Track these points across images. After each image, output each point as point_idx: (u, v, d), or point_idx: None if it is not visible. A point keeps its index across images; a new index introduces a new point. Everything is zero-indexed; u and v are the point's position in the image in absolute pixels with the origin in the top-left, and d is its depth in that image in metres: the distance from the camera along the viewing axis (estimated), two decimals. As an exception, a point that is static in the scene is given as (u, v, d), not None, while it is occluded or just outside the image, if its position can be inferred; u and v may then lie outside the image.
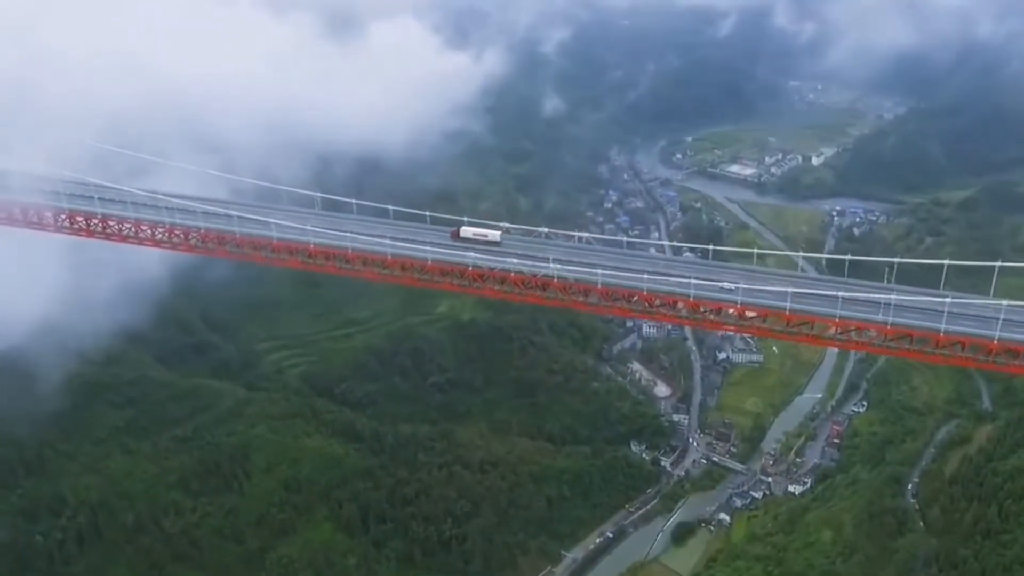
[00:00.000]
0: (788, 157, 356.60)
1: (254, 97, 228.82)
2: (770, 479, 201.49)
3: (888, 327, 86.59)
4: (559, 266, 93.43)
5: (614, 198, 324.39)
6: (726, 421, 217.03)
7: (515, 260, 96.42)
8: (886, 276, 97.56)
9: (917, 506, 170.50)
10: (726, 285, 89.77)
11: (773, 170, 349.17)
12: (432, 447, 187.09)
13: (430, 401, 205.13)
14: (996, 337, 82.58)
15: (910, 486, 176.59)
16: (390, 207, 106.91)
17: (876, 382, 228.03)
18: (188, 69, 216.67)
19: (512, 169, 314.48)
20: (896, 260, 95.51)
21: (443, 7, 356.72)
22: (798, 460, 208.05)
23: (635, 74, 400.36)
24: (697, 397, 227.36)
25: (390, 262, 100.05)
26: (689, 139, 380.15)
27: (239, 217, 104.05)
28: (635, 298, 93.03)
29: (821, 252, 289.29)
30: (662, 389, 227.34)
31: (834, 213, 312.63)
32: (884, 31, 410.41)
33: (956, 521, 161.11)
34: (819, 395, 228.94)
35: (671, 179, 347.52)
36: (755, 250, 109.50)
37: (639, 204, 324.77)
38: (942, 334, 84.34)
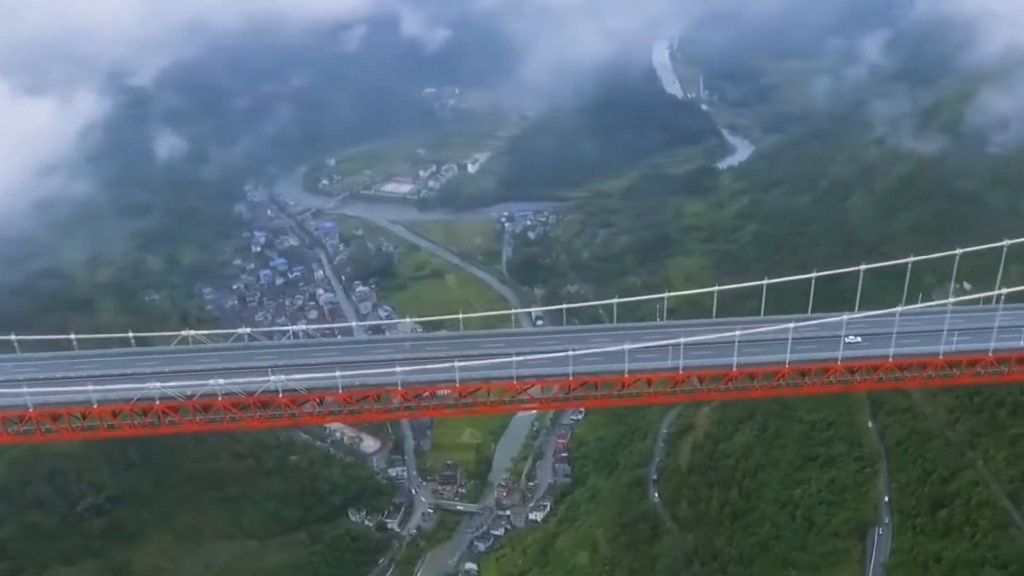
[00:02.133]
0: (443, 168, 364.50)
1: None
2: (508, 512, 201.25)
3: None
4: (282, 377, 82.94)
5: (262, 240, 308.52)
6: (448, 463, 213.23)
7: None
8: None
9: (663, 506, 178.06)
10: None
11: (431, 184, 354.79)
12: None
13: (88, 530, 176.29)
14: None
15: (652, 487, 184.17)
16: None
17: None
18: None
19: (131, 226, 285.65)
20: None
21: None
22: (531, 484, 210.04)
23: (259, 99, 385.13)
24: (410, 443, 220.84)
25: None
26: (333, 162, 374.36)
27: None
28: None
29: (500, 261, 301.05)
30: (369, 443, 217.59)
31: (503, 219, 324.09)
32: (515, 31, 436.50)
33: (704, 512, 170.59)
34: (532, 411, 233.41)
35: (323, 208, 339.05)
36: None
37: (293, 242, 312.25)
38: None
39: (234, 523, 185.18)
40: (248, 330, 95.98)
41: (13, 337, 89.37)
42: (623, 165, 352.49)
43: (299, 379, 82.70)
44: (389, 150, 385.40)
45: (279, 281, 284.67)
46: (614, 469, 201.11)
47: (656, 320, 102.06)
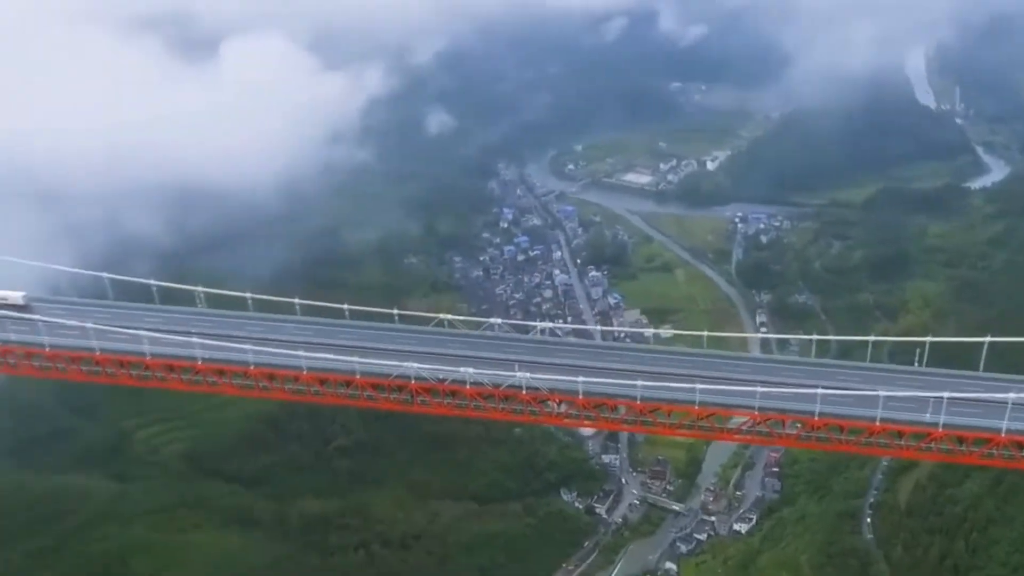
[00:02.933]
0: (683, 163, 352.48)
1: (97, 139, 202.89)
2: (713, 518, 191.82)
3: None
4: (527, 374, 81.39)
5: (509, 217, 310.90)
6: (659, 458, 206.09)
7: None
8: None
9: (876, 544, 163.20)
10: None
11: (670, 177, 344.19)
12: (346, 525, 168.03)
13: (337, 469, 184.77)
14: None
15: (866, 521, 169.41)
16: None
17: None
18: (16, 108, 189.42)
19: (399, 193, 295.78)
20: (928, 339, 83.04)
21: (306, 24, 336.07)
22: (739, 493, 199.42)
23: (519, 83, 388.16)
24: (624, 432, 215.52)
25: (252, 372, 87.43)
26: (579, 148, 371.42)
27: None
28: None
29: (729, 262, 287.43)
30: (587, 428, 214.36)
31: (737, 220, 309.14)
32: (766, 31, 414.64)
33: (921, 558, 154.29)
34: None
35: (566, 192, 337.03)
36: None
37: (536, 221, 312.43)
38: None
39: (460, 484, 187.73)
40: (499, 321, 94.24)
41: (296, 301, 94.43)
42: (864, 175, 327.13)
43: (543, 379, 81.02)
44: (632, 140, 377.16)
45: (520, 258, 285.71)
46: (826, 494, 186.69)
47: (914, 365, 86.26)
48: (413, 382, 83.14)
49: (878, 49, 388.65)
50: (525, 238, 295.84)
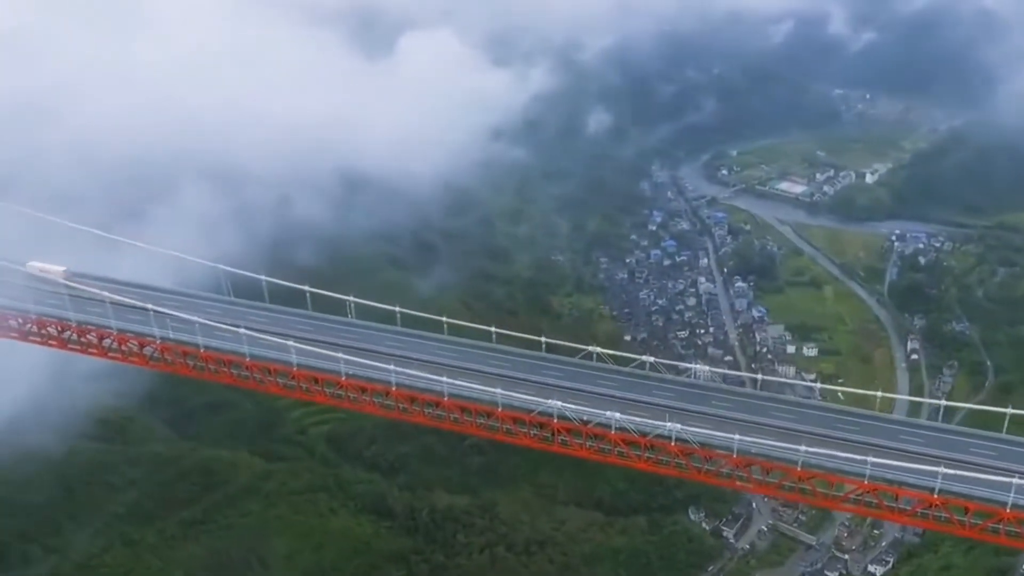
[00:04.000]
0: (840, 174, 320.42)
1: (272, 124, 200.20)
2: (846, 556, 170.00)
3: None
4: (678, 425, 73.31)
5: (658, 219, 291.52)
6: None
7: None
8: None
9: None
10: None
11: (825, 188, 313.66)
12: (472, 524, 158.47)
13: (469, 464, 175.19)
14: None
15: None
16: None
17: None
18: (201, 93, 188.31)
19: (552, 190, 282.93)
20: None
21: (476, 19, 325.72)
22: (876, 532, 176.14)
23: (680, 84, 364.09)
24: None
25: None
26: (734, 153, 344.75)
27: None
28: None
29: (882, 282, 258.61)
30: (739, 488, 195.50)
31: (893, 237, 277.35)
32: (941, 38, 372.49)
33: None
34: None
35: (717, 198, 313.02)
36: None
37: (685, 226, 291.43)
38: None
39: (586, 492, 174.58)
40: (651, 359, 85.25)
41: (444, 320, 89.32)
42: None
43: (694, 431, 73.44)
44: (789, 148, 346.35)
45: (666, 262, 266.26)
46: (975, 546, 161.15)
47: None
48: (556, 420, 77.00)
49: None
50: (672, 242, 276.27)
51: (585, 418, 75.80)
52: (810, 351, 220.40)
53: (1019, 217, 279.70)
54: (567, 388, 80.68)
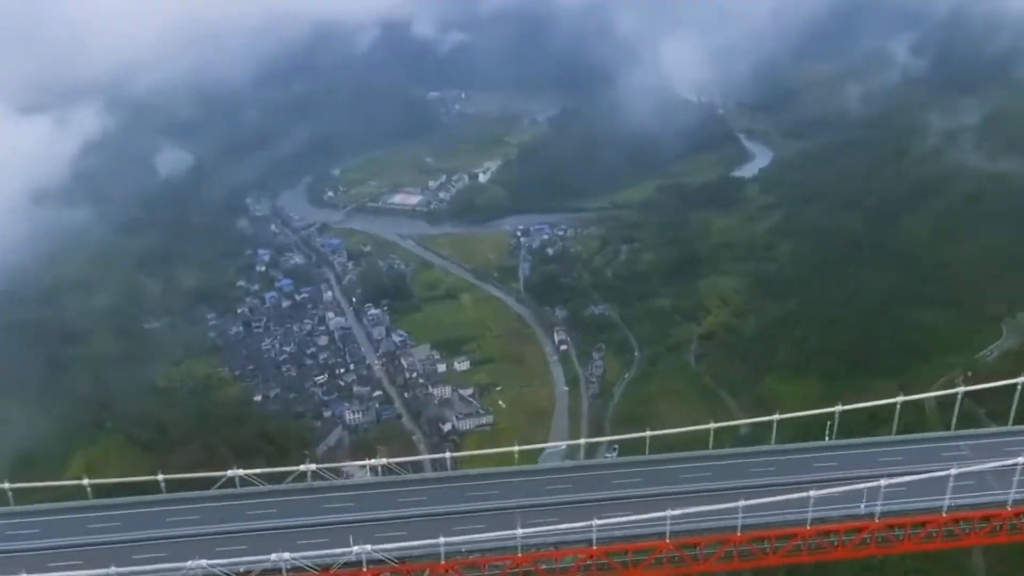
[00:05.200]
0: (453, 178, 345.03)
1: None
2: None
3: None
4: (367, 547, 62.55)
5: (266, 258, 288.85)
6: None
7: None
8: None
9: None
10: None
11: (441, 195, 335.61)
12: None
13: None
14: None
15: None
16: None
17: (620, 419, 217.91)
18: None
19: (129, 247, 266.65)
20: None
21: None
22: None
23: (263, 105, 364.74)
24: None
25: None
26: (338, 172, 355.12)
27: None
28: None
29: (517, 280, 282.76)
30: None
31: (519, 233, 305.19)
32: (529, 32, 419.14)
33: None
34: (563, 446, 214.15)
35: (328, 223, 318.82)
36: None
37: (299, 260, 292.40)
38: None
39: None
40: (313, 466, 73.50)
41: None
42: (639, 173, 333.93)
43: (389, 548, 63.01)
44: (396, 159, 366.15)
45: (286, 304, 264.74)
46: None
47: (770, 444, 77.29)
48: None
49: (634, 43, 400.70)
50: (288, 281, 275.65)
51: (242, 569, 62.74)
52: (462, 365, 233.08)
53: (629, 193, 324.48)
54: (209, 534, 67.47)
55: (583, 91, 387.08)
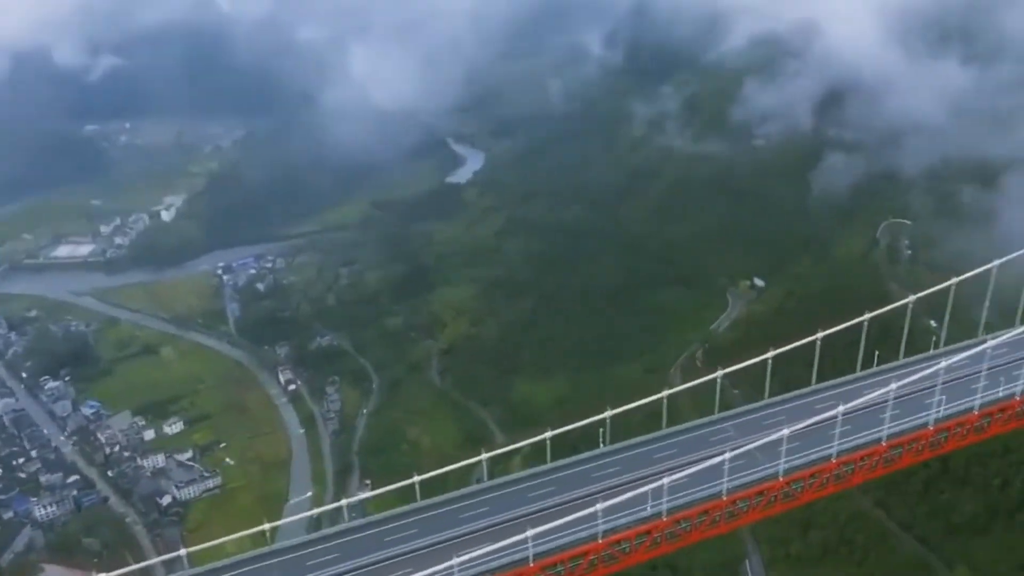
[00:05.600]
0: (130, 219, 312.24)
1: None
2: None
3: None
4: None
5: None
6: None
7: None
8: None
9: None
10: None
11: (118, 240, 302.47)
12: None
13: None
14: None
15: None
16: None
17: (368, 452, 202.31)
18: None
19: None
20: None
21: None
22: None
23: None
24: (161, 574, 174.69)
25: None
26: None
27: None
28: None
29: (227, 322, 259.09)
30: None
31: (220, 271, 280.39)
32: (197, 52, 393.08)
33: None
34: (309, 493, 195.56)
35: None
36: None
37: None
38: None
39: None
40: None
41: None
42: (349, 191, 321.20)
43: None
44: (54, 205, 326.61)
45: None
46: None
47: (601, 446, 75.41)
48: None
49: (322, 56, 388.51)
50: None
51: None
52: (174, 427, 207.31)
53: (341, 213, 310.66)
54: None
55: (271, 110, 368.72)
